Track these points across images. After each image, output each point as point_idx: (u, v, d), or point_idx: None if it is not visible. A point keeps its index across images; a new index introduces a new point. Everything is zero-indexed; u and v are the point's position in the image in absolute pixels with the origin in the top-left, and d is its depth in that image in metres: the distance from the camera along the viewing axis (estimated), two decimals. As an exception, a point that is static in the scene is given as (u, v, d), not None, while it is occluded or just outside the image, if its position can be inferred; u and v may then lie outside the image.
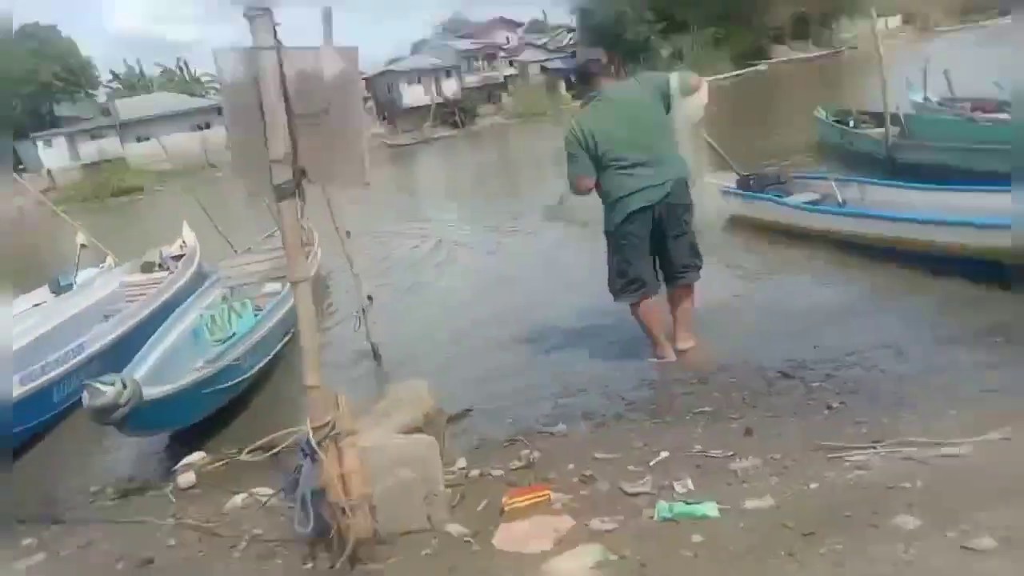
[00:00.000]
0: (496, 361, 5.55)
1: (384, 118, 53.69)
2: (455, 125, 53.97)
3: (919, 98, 13.36)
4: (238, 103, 3.10)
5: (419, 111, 55.13)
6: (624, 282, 4.83)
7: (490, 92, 58.95)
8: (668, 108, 4.69)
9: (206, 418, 4.97)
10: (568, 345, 5.64)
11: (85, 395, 4.12)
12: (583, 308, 6.26)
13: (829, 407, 3.78)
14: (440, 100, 56.08)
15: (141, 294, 8.53)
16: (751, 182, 8.74)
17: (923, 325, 4.75)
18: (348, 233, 6.00)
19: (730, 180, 9.19)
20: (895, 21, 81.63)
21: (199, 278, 10.30)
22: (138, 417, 4.25)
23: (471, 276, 8.62)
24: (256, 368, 5.57)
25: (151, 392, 4.42)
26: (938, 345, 4.39)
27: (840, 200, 7.71)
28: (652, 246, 4.77)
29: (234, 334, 5.91)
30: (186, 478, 4.14)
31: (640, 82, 4.85)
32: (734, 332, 5.23)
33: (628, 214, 4.65)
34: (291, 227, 3.01)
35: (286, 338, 6.24)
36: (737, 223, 8.39)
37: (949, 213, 6.00)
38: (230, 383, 5.20)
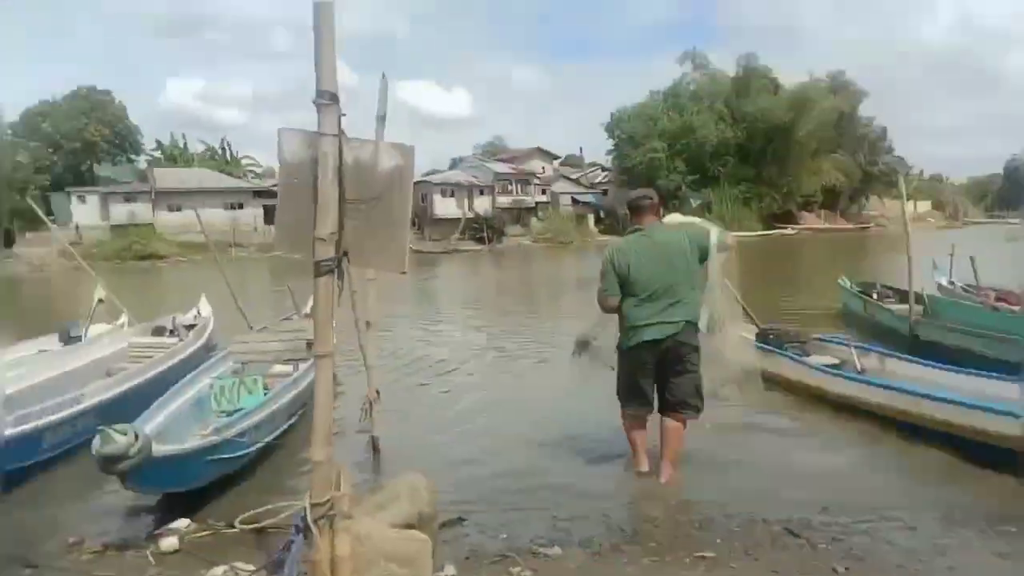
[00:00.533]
0: (496, 472, 5.50)
1: (414, 225, 55.02)
2: (482, 240, 55.13)
3: (944, 280, 13.63)
4: (293, 182, 3.27)
5: (449, 223, 56.51)
6: (629, 395, 5.26)
7: (520, 214, 60.52)
8: (703, 259, 5.10)
9: (200, 487, 4.91)
10: (572, 469, 5.60)
11: (97, 440, 4.15)
12: (591, 434, 6.27)
13: (835, 571, 3.71)
14: (471, 215, 57.55)
15: (146, 356, 8.58)
16: (770, 336, 8.84)
17: (935, 503, 4.68)
18: (368, 324, 6.08)
19: (749, 332, 9.34)
20: (925, 206, 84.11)
21: (208, 349, 10.39)
22: (143, 472, 4.26)
23: (481, 386, 8.61)
24: (259, 445, 5.54)
25: (160, 449, 4.43)
26: (948, 525, 4.32)
27: (859, 367, 7.76)
28: (657, 375, 5.15)
29: (240, 409, 5.91)
30: (169, 542, 4.06)
31: (687, 233, 5.17)
32: (742, 482, 5.17)
33: (641, 342, 5.04)
34: (325, 302, 3.10)
35: (291, 420, 6.21)
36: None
37: (969, 396, 6.02)
38: (233, 455, 5.18)
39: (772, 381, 8.00)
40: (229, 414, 5.85)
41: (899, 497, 4.80)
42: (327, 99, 3.03)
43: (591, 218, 63.47)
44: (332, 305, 3.13)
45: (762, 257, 36.28)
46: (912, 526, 4.30)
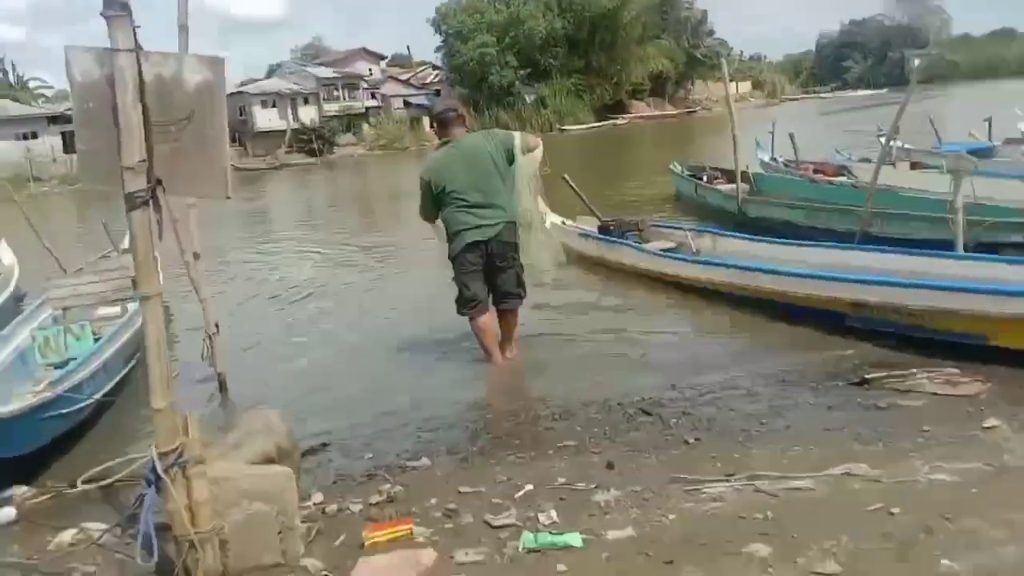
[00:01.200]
0: (352, 394, 5.46)
1: (235, 140, 51.98)
2: (312, 153, 53.13)
3: (767, 157, 14.52)
4: (89, 106, 2.96)
5: (273, 136, 53.92)
6: (462, 299, 5.73)
7: (350, 122, 58.51)
8: (511, 161, 5.59)
9: (38, 449, 4.55)
10: (428, 379, 5.66)
11: None
12: (442, 338, 6.37)
13: (686, 442, 3.98)
14: (296, 126, 55.13)
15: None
16: (611, 228, 9.17)
17: (770, 368, 5.09)
18: (196, 255, 5.75)
19: (591, 224, 9.65)
20: (746, 86, 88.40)
21: (17, 300, 9.53)
22: None
23: (324, 307, 8.44)
24: (97, 396, 5.17)
25: None
26: (784, 386, 4.73)
27: (694, 249, 8.21)
28: (485, 274, 5.67)
29: (71, 359, 5.50)
30: (4, 513, 3.75)
31: (488, 136, 5.76)
32: (594, 369, 5.42)
33: (464, 245, 5.56)
34: (142, 238, 2.87)
35: (129, 365, 5.86)
36: (595, 265, 8.79)
37: (796, 266, 6.53)
38: (72, 410, 4.79)
39: (615, 270, 8.40)
40: (58, 366, 5.45)
41: (739, 367, 5.17)
42: (118, 9, 2.73)
43: (426, 120, 62.36)
44: (151, 240, 2.91)
45: (597, 149, 37.26)
46: (753, 392, 4.67)
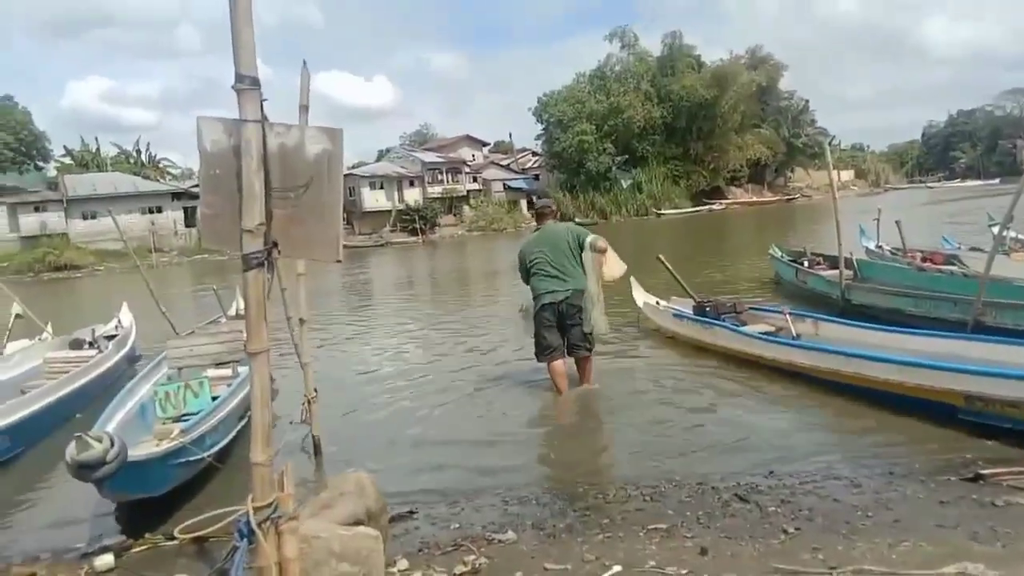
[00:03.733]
0: (442, 462, 5.48)
1: (344, 220, 54.21)
2: (414, 232, 54.78)
3: (872, 245, 14.09)
4: (215, 172, 3.14)
5: (379, 216, 55.96)
6: (540, 348, 7.20)
7: (452, 203, 60.31)
8: (582, 248, 7.11)
9: (167, 492, 4.85)
10: (517, 448, 5.65)
11: (72, 447, 4.13)
12: (532, 410, 6.51)
13: (785, 532, 3.78)
14: (401, 207, 57.10)
15: (63, 371, 8.23)
16: (707, 308, 9.01)
17: (875, 459, 4.83)
18: (302, 321, 5.96)
19: (686, 305, 9.52)
20: (848, 175, 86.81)
21: (131, 360, 10.05)
22: (118, 477, 4.24)
23: (420, 377, 8.54)
24: (215, 449, 5.43)
25: (135, 454, 4.43)
26: (891, 479, 4.46)
27: (794, 334, 7.96)
28: (559, 329, 7.13)
29: (187, 414, 5.78)
30: (103, 561, 3.89)
31: (569, 228, 7.39)
32: (687, 450, 5.26)
33: (541, 305, 7.13)
34: (255, 297, 2.99)
35: (241, 423, 6.09)
36: (688, 346, 8.66)
37: (902, 354, 6.23)
38: (196, 459, 5.08)
39: (709, 351, 8.22)
40: (175, 420, 5.71)
41: (841, 456, 4.93)
42: (248, 84, 2.90)
43: (523, 203, 63.65)
44: (264, 300, 3.03)
45: (693, 233, 37.00)
46: (857, 483, 4.42)
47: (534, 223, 7.74)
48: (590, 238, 7.18)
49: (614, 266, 7.19)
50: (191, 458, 5.02)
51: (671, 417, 6.20)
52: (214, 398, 6.17)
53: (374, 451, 5.88)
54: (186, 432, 5.12)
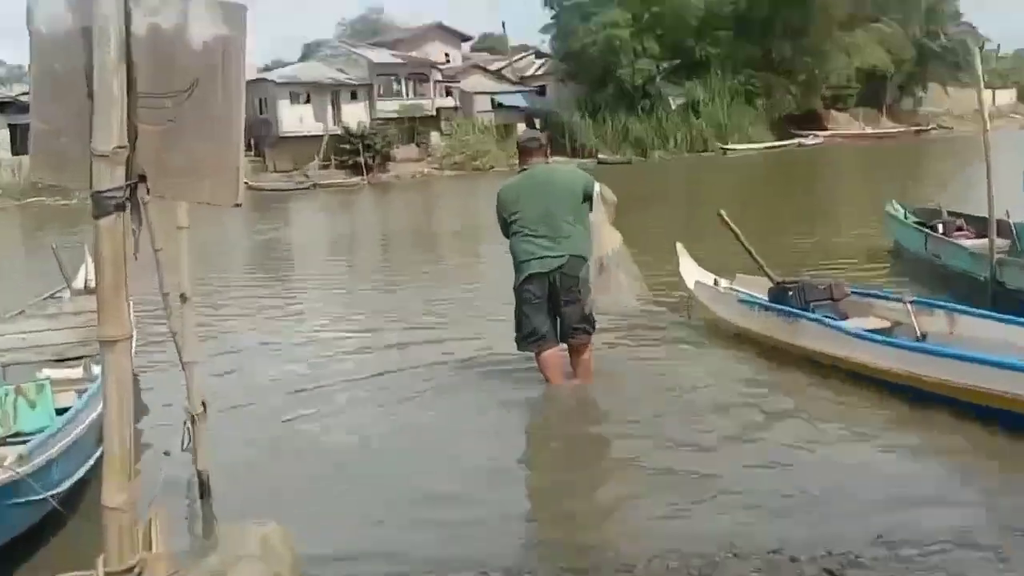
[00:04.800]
0: (391, 514, 5.49)
1: (250, 148, 53.90)
2: (356, 169, 54.66)
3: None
4: (54, 67, 3.11)
5: (304, 144, 55.75)
6: (523, 334, 7.79)
7: (414, 128, 60.16)
8: (587, 199, 7.63)
9: None
10: (501, 498, 5.71)
11: None
12: (523, 440, 6.83)
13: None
14: (337, 131, 56.91)
15: None
16: (790, 294, 9.00)
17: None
18: (183, 298, 5.93)
19: (759, 287, 9.53)
20: (1007, 95, 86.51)
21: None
22: None
23: (359, 382, 8.55)
24: (65, 487, 5.42)
25: None
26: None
27: (918, 333, 7.97)
28: (551, 307, 7.67)
29: (19, 434, 5.80)
30: None
31: (570, 173, 8.18)
32: (756, 503, 5.29)
33: (526, 276, 7.60)
34: (112, 259, 2.96)
35: (101, 449, 6.08)
36: (759, 347, 8.76)
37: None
38: (36, 499, 5.00)
39: (791, 355, 8.25)
40: (0, 442, 5.72)
41: (984, 515, 4.97)
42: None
43: (521, 128, 63.67)
44: (124, 263, 3.00)
45: (774, 179, 37.14)
46: (1004, 556, 4.45)
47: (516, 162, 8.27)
48: (598, 189, 7.65)
49: (603, 234, 7.67)
50: (29, 498, 4.94)
51: (728, 450, 6.23)
52: (60, 411, 6.15)
53: (289, 494, 5.88)
54: (22, 460, 4.99)
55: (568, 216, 7.56)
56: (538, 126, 62.80)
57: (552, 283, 7.57)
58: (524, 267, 7.59)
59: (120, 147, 2.89)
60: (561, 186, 7.69)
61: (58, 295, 10.37)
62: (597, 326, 7.94)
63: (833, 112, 71.42)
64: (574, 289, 7.57)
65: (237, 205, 3.04)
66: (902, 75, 74.66)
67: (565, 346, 7.87)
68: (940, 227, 12.83)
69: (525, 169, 7.95)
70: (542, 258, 7.50)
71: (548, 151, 8.30)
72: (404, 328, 11.13)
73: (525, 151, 8.10)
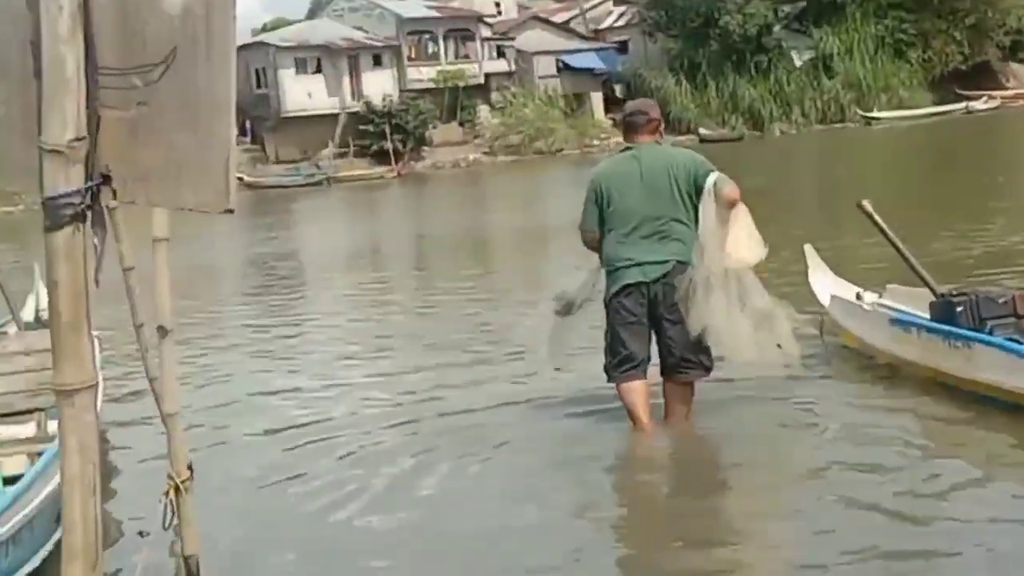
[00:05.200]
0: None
1: (245, 132, 54.41)
2: (383, 158, 54.94)
3: None
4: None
5: (315, 125, 56.14)
6: (615, 360, 7.78)
7: (457, 100, 60.38)
8: (698, 193, 7.59)
9: None
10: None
11: None
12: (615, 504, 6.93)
13: None
14: (357, 108, 57.25)
15: None
16: (960, 310, 8.90)
17: None
18: (163, 331, 6.00)
19: (917, 301, 9.43)
20: None
21: None
22: None
23: (389, 433, 8.60)
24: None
25: None
26: None
27: None
28: (652, 328, 7.73)
29: None
30: None
31: (682, 157, 8.01)
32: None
33: (621, 287, 7.65)
34: (70, 283, 3.01)
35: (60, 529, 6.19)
36: (919, 379, 8.71)
37: None
38: None
39: (961, 387, 8.15)
40: None
41: None
42: None
43: (597, 99, 63.73)
44: (85, 289, 3.04)
45: (934, 156, 36.77)
46: None
47: (619, 139, 8.46)
48: (714, 176, 7.59)
49: (742, 243, 7.53)
50: None
51: (881, 514, 6.18)
52: (8, 480, 6.25)
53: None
54: None
55: (678, 212, 7.61)
56: (619, 94, 62.88)
57: (654, 298, 7.57)
58: (619, 276, 7.64)
59: (77, 139, 2.93)
60: (668, 173, 7.66)
61: (1, 330, 10.53)
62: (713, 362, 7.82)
63: (1013, 65, 70.63)
64: (679, 307, 7.47)
65: (229, 211, 3.07)
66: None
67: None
68: None
69: (629, 148, 8.00)
70: (642, 264, 7.54)
71: (661, 127, 8.21)
72: (446, 358, 11.28)
73: (630, 127, 8.13)
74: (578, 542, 6.26)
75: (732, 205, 7.48)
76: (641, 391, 7.70)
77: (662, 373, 7.83)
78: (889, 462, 7.12)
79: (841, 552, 5.69)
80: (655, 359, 7.83)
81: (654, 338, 7.79)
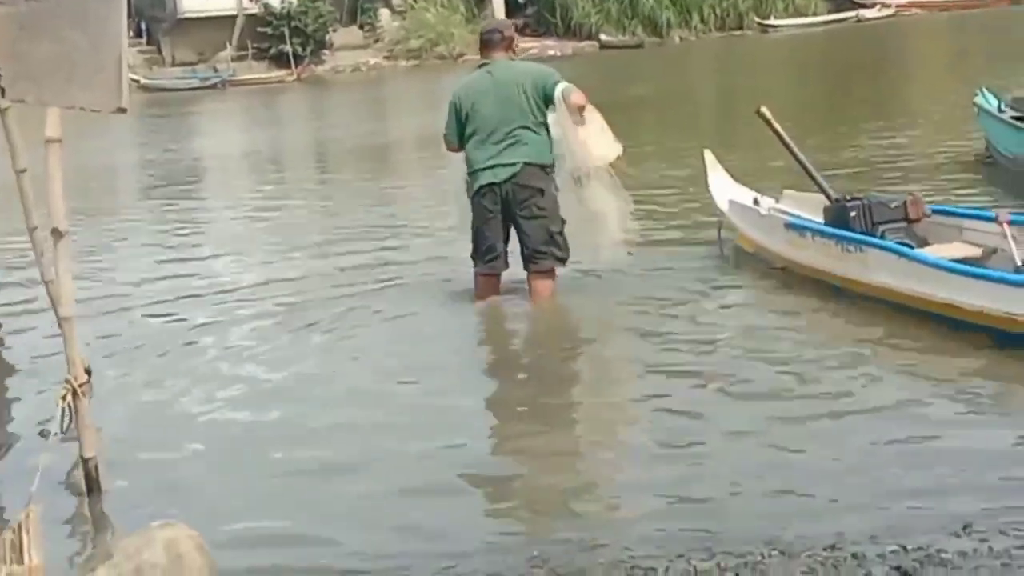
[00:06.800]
0: (335, 506, 5.54)
1: (140, 33, 53.54)
2: (282, 61, 54.31)
3: None
4: None
5: (212, 27, 55.30)
6: (479, 251, 8.77)
7: (358, 3, 59.62)
8: (547, 102, 8.52)
9: None
10: (474, 479, 5.79)
11: None
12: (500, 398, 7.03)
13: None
14: (255, 9, 56.43)
15: None
16: (853, 215, 8.99)
17: None
18: (57, 232, 5.91)
19: (812, 206, 9.52)
20: None
21: None
22: None
23: (275, 337, 8.66)
24: None
25: None
26: None
27: (1019, 261, 7.98)
28: (506, 225, 8.67)
29: None
30: None
31: (528, 69, 9.07)
32: (807, 485, 5.35)
33: (478, 188, 8.56)
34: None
35: None
36: (813, 284, 8.84)
37: None
38: None
39: (853, 291, 8.29)
40: None
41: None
42: None
43: (498, 3, 63.19)
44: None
45: (829, 64, 37.04)
46: None
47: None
48: (562, 86, 8.46)
49: (596, 142, 8.53)
50: None
51: (767, 420, 6.24)
52: None
53: (202, 486, 5.92)
54: None
55: (526, 120, 8.48)
56: (521, 1, 62.46)
57: (505, 196, 8.48)
58: (477, 177, 8.54)
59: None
60: (517, 85, 8.53)
61: None
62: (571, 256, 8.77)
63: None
64: (531, 203, 8.49)
65: (122, 110, 3.04)
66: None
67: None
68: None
69: (485, 64, 8.95)
70: (494, 168, 8.42)
71: (515, 44, 9.18)
72: (335, 254, 11.62)
73: (486, 44, 9.05)
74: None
75: (581, 110, 8.36)
76: (490, 281, 8.87)
77: (524, 265, 8.76)
78: (781, 351, 7.39)
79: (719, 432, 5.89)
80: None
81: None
